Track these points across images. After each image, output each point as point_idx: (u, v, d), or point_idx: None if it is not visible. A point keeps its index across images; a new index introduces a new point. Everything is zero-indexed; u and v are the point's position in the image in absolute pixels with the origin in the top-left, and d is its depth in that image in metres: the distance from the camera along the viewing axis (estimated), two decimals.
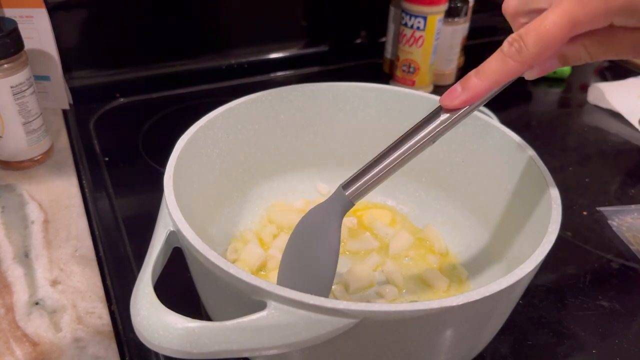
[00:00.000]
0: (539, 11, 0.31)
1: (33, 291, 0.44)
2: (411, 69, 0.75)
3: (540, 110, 0.79)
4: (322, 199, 0.54)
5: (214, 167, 0.47)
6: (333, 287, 0.45)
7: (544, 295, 0.47)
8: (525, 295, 0.45)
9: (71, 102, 0.70)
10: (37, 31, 0.62)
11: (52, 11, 0.63)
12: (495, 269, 0.44)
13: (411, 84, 0.76)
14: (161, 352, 0.30)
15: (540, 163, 0.41)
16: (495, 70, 0.32)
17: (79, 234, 0.50)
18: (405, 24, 0.72)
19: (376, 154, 0.37)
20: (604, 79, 0.87)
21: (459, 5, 0.75)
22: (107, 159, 0.62)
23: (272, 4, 0.80)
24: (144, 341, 0.30)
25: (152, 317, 0.30)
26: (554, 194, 0.38)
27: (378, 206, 0.54)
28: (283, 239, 0.48)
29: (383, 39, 0.83)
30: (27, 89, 0.55)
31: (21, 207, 0.53)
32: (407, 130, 0.36)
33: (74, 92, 0.71)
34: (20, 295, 0.44)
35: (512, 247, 0.43)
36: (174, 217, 0.35)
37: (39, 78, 0.65)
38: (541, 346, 0.43)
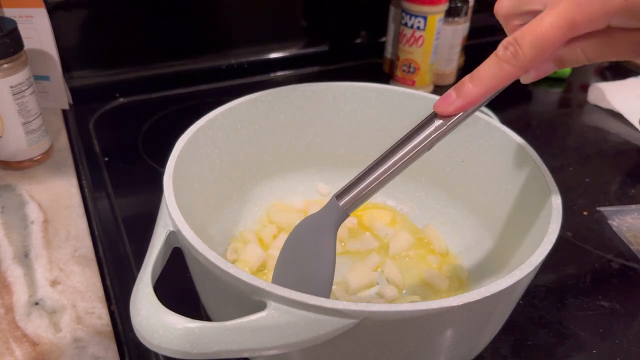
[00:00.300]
0: (533, 13, 0.30)
1: (33, 291, 0.44)
2: (411, 69, 0.75)
3: (540, 110, 0.79)
4: (322, 199, 0.54)
5: (214, 167, 0.47)
6: (333, 287, 0.45)
7: (544, 296, 0.47)
8: (526, 295, 0.45)
9: (71, 102, 0.70)
10: (37, 31, 0.62)
11: (52, 11, 0.63)
12: (495, 269, 0.44)
13: (411, 84, 0.76)
14: (161, 352, 0.30)
15: (540, 163, 0.41)
16: (490, 76, 0.31)
17: (79, 234, 0.50)
18: (406, 24, 0.72)
19: (371, 161, 0.36)
20: (604, 79, 0.87)
21: (459, 5, 0.75)
22: (107, 159, 0.62)
23: (272, 4, 0.80)
24: (143, 341, 0.30)
25: (151, 317, 0.30)
26: (554, 194, 0.38)
27: (378, 206, 0.54)
28: (283, 239, 0.47)
29: (383, 39, 0.83)
30: (27, 89, 0.55)
31: (21, 207, 0.53)
32: (402, 135, 0.35)
33: (74, 92, 0.70)
34: (20, 295, 0.44)
35: (513, 247, 0.43)
36: (173, 217, 0.35)
37: (38, 78, 0.65)
38: (541, 346, 0.43)
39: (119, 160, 0.62)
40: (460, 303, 0.29)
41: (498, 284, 0.31)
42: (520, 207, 0.43)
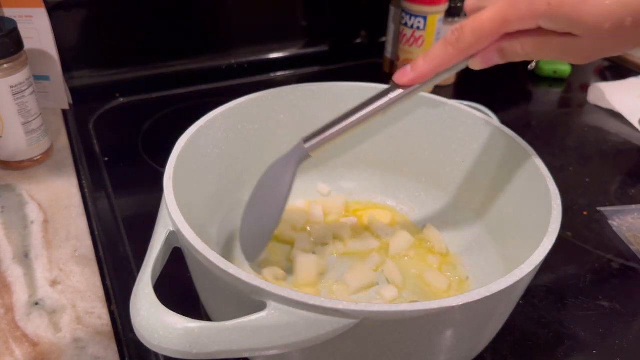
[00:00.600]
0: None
1: (33, 291, 0.44)
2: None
3: (540, 110, 0.79)
4: (322, 199, 0.54)
5: (214, 167, 0.47)
6: (333, 287, 0.45)
7: (544, 295, 0.47)
8: (525, 295, 0.45)
9: (71, 102, 0.70)
10: (37, 31, 0.62)
11: (52, 11, 0.63)
12: (495, 269, 0.44)
13: None
14: (161, 352, 0.30)
15: (540, 163, 0.41)
16: (438, 55, 0.36)
17: (79, 234, 0.50)
18: (406, 24, 0.72)
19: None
20: (604, 79, 0.87)
21: (459, 5, 0.75)
22: (107, 159, 0.62)
23: (272, 4, 0.80)
24: (143, 341, 0.30)
25: (152, 317, 0.30)
26: (554, 194, 0.38)
27: (378, 206, 0.54)
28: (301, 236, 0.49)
29: (383, 39, 0.83)
30: (27, 89, 0.55)
31: (21, 207, 0.53)
32: (365, 102, 0.40)
33: (74, 92, 0.71)
34: (20, 295, 0.44)
35: (512, 247, 0.43)
36: (173, 217, 0.35)
37: (38, 78, 0.65)
38: (541, 346, 0.42)
39: (119, 160, 0.62)
40: (460, 303, 0.29)
41: (498, 284, 0.31)
42: (520, 207, 0.43)
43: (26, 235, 0.50)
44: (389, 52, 0.82)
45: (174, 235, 0.35)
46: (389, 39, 0.81)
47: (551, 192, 0.38)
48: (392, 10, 0.78)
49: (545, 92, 0.83)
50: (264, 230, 0.43)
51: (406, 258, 0.49)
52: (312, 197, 0.54)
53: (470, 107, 0.48)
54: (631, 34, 0.31)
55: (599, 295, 0.47)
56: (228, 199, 0.50)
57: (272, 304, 0.30)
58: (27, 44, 0.56)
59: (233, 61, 0.82)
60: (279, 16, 0.82)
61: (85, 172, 0.60)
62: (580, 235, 0.54)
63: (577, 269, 0.50)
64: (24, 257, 0.48)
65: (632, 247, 0.52)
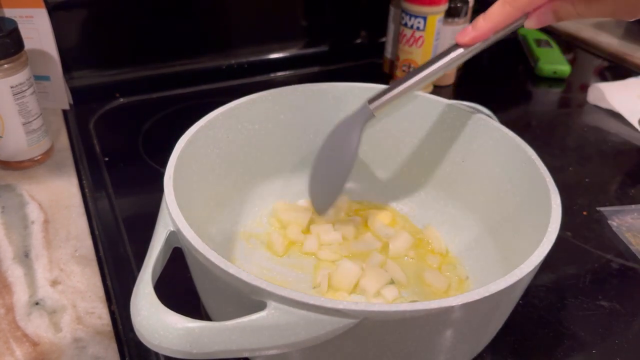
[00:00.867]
0: None
1: (33, 291, 0.44)
2: (411, 69, 0.75)
3: (540, 110, 0.79)
4: None
5: (214, 167, 0.47)
6: (353, 296, 0.45)
7: (544, 295, 0.47)
8: (525, 295, 0.45)
9: (71, 102, 0.70)
10: (37, 31, 0.62)
11: (52, 11, 0.63)
12: (495, 269, 0.44)
13: None
14: (161, 352, 0.30)
15: (540, 163, 0.41)
16: (497, 14, 0.39)
17: (79, 234, 0.50)
18: (405, 24, 0.72)
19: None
20: (604, 79, 0.87)
21: (459, 5, 0.75)
22: (107, 159, 0.62)
23: (272, 4, 0.80)
24: (144, 341, 0.30)
25: (152, 317, 0.30)
26: (554, 194, 0.38)
27: (378, 207, 0.54)
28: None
29: (383, 39, 0.83)
30: (27, 89, 0.55)
31: (21, 207, 0.53)
32: (427, 62, 0.42)
33: (74, 92, 0.71)
34: (20, 295, 0.44)
35: (512, 247, 0.43)
36: (174, 217, 0.35)
37: (39, 78, 0.65)
38: (541, 346, 0.43)
39: (119, 160, 0.62)
40: (460, 303, 0.29)
41: (498, 284, 0.31)
42: (520, 207, 0.43)
43: (26, 235, 0.50)
44: (388, 53, 0.82)
45: (174, 235, 0.35)
46: (389, 39, 0.81)
47: (551, 192, 0.38)
48: (392, 10, 0.78)
49: (545, 92, 0.83)
50: (333, 186, 0.46)
51: (406, 258, 0.49)
52: None
53: (470, 107, 0.48)
54: None
55: (598, 295, 0.47)
56: (228, 199, 0.50)
57: (272, 304, 0.30)
58: (28, 44, 0.56)
59: (233, 61, 0.82)
60: (279, 16, 0.82)
61: (86, 172, 0.60)
62: (580, 235, 0.54)
63: (577, 268, 0.50)
64: (25, 257, 0.48)
65: (631, 247, 0.52)
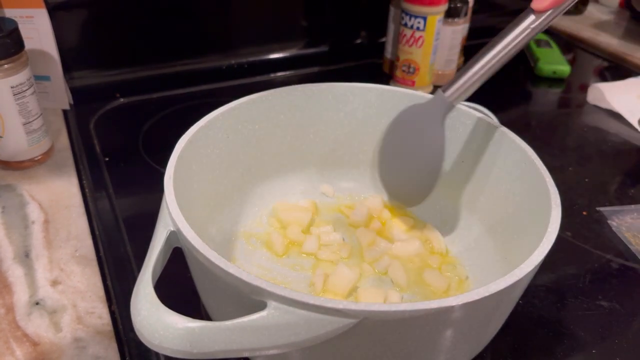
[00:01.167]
0: None
1: (33, 291, 0.44)
2: (411, 69, 0.75)
3: (540, 110, 0.79)
4: (324, 199, 0.54)
5: (214, 167, 0.47)
6: None
7: (544, 295, 0.47)
8: (525, 295, 0.45)
9: (71, 102, 0.70)
10: (38, 31, 0.62)
11: (52, 11, 0.63)
12: (495, 269, 0.44)
13: (411, 84, 0.76)
14: (161, 352, 0.30)
15: (540, 163, 0.41)
16: None
17: (79, 234, 0.50)
18: (405, 24, 0.72)
19: (480, 56, 0.39)
20: (604, 79, 0.87)
21: (458, 5, 0.75)
22: (107, 159, 0.62)
23: (272, 4, 0.80)
24: (144, 341, 0.30)
25: (152, 317, 0.30)
26: (554, 194, 0.38)
27: (401, 213, 0.53)
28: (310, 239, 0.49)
29: (383, 39, 0.83)
30: (28, 89, 0.55)
31: (21, 207, 0.53)
32: (501, 34, 0.38)
33: (74, 92, 0.71)
34: (21, 295, 0.44)
35: (512, 247, 0.43)
36: (174, 217, 0.35)
37: (39, 78, 0.65)
38: (541, 346, 0.43)
39: (119, 160, 0.62)
40: (460, 303, 0.29)
41: (498, 284, 0.31)
42: (520, 207, 0.43)
43: (27, 235, 0.50)
44: (388, 53, 0.82)
45: (174, 235, 0.35)
46: (389, 39, 0.81)
47: (551, 192, 0.38)
48: (392, 10, 0.78)
49: (544, 92, 0.83)
50: (422, 182, 0.43)
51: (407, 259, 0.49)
52: (312, 196, 0.54)
53: (470, 107, 0.48)
54: None
55: (598, 295, 0.47)
56: (228, 199, 0.50)
57: (272, 304, 0.30)
58: (28, 44, 0.56)
59: (233, 61, 0.82)
60: (279, 16, 0.82)
61: (86, 172, 0.60)
62: (580, 235, 0.54)
63: (577, 268, 0.50)
64: (25, 257, 0.48)
65: (631, 247, 0.52)
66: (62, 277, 0.46)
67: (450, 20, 0.76)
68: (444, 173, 0.51)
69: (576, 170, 0.64)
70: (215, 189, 0.47)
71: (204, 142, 0.45)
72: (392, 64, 0.81)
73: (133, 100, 0.74)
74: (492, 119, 0.48)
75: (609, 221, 0.55)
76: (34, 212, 0.53)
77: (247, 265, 0.47)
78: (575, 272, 0.50)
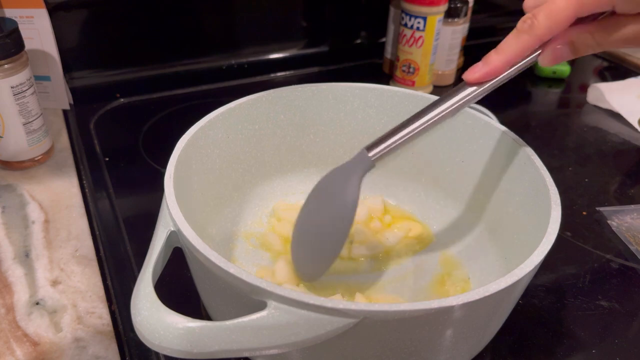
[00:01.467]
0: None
1: (33, 291, 0.44)
2: (411, 69, 0.75)
3: (540, 110, 0.79)
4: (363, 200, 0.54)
5: (214, 167, 0.47)
6: None
7: (544, 295, 0.47)
8: (525, 295, 0.45)
9: (71, 102, 0.70)
10: (38, 31, 0.62)
11: (52, 11, 0.63)
12: (495, 269, 0.44)
13: (411, 85, 0.76)
14: (162, 351, 0.30)
15: (539, 163, 0.41)
16: (511, 45, 0.35)
17: (80, 234, 0.50)
18: (405, 25, 0.72)
19: (409, 121, 0.38)
20: (604, 79, 0.87)
21: (458, 5, 0.75)
22: (107, 159, 0.62)
23: (272, 4, 0.80)
24: (144, 341, 0.30)
25: (152, 316, 0.30)
26: (554, 194, 0.38)
27: (410, 217, 0.53)
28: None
29: (383, 39, 0.83)
30: (28, 89, 0.55)
31: (22, 207, 0.53)
32: (432, 104, 0.37)
33: (74, 92, 0.71)
34: (21, 295, 0.44)
35: (512, 247, 0.43)
36: (174, 217, 0.35)
37: (39, 78, 0.65)
38: (541, 346, 0.43)
39: (119, 160, 0.62)
40: (460, 303, 0.29)
41: (498, 284, 0.31)
42: (520, 207, 0.43)
43: (27, 235, 0.50)
44: (388, 53, 0.82)
45: (174, 235, 0.35)
46: (389, 39, 0.81)
47: (550, 192, 0.38)
48: (392, 10, 0.78)
49: (544, 92, 0.83)
50: (326, 251, 0.40)
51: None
52: None
53: (470, 107, 0.48)
54: None
55: (598, 295, 0.47)
56: (228, 199, 0.50)
57: (272, 304, 0.30)
58: (28, 45, 0.56)
59: (233, 61, 0.82)
60: (279, 16, 0.82)
61: (86, 172, 0.60)
62: (580, 235, 0.54)
63: (577, 268, 0.50)
64: (25, 257, 0.48)
65: (631, 247, 0.52)
66: (62, 277, 0.46)
67: (450, 20, 0.76)
68: (444, 173, 0.51)
69: (576, 170, 0.64)
70: (215, 189, 0.48)
71: (204, 142, 0.45)
72: (392, 64, 0.81)
73: (133, 100, 0.74)
74: (492, 119, 0.48)
75: (608, 221, 0.55)
76: (34, 212, 0.53)
77: (247, 265, 0.47)
78: (575, 272, 0.50)
